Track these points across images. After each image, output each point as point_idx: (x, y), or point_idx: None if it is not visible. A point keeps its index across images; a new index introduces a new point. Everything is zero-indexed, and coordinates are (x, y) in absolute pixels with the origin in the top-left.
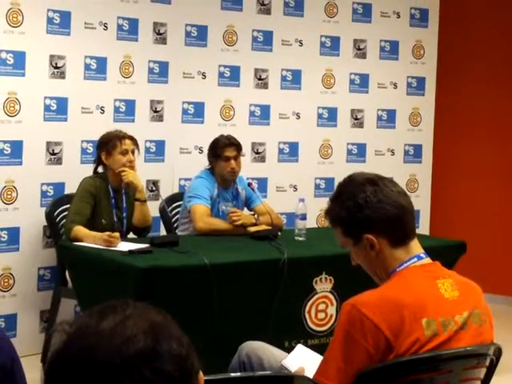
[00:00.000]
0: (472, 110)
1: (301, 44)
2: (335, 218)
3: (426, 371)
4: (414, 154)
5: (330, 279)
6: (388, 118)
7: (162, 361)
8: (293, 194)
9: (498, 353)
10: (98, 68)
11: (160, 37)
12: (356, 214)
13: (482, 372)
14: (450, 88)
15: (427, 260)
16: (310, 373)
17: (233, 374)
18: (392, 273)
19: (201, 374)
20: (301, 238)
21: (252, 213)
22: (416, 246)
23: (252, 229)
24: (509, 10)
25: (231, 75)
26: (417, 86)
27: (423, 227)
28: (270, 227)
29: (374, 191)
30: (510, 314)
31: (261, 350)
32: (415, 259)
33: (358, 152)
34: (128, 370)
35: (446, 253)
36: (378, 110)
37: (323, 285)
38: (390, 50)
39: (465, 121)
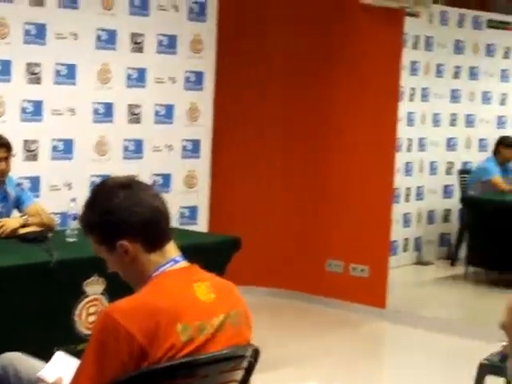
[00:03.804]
0: (249, 105)
1: (76, 37)
2: (88, 225)
3: (182, 377)
4: (192, 149)
5: (102, 281)
6: (166, 113)
7: None
8: (67, 193)
9: (256, 354)
10: None
11: None
12: (109, 220)
13: (239, 374)
14: (228, 83)
15: (184, 263)
16: (68, 382)
17: None
18: (148, 278)
19: None
20: (71, 239)
21: (21, 214)
22: (172, 250)
23: (21, 230)
24: (300, 13)
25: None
26: (195, 81)
27: (202, 223)
28: (41, 228)
29: (127, 195)
30: (274, 306)
31: (18, 361)
32: (172, 263)
33: (135, 148)
34: None
35: (222, 248)
36: (156, 105)
37: (94, 287)
38: (168, 44)
39: (242, 116)
